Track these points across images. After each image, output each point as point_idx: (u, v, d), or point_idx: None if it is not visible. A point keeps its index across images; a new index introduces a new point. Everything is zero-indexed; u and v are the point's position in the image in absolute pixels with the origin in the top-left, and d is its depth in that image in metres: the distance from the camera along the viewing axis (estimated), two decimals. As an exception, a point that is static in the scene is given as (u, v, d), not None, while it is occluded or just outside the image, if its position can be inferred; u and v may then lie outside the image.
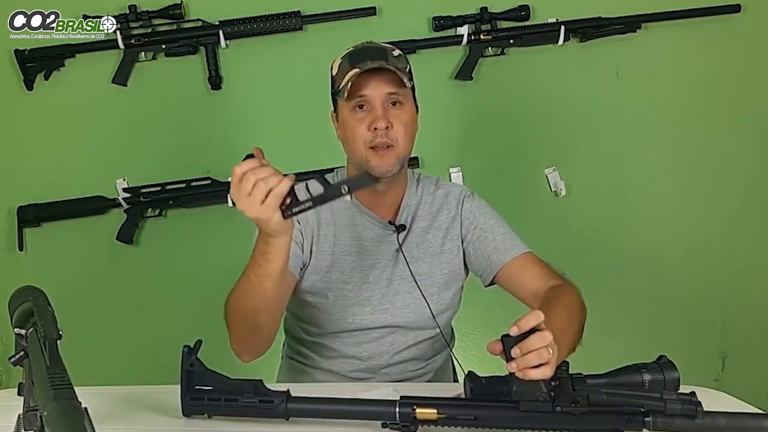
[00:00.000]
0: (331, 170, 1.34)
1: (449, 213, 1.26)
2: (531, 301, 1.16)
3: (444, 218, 1.26)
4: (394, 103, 1.15)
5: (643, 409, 0.86)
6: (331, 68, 1.21)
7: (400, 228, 1.23)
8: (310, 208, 0.92)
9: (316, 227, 1.23)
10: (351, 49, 1.18)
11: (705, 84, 2.05)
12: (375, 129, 1.13)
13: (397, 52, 1.17)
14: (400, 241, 1.23)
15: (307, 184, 1.10)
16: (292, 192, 0.90)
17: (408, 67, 1.18)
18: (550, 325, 0.93)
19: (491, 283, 1.25)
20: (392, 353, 1.24)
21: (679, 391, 0.88)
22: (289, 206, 0.91)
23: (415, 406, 0.87)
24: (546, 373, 0.83)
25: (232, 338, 1.09)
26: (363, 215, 1.24)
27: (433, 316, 1.24)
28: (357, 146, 1.16)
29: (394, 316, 1.23)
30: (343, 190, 0.92)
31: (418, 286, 1.22)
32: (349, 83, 1.12)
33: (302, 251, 1.21)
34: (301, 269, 1.22)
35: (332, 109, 1.25)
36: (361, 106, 1.15)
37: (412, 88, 1.19)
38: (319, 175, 0.99)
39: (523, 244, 1.23)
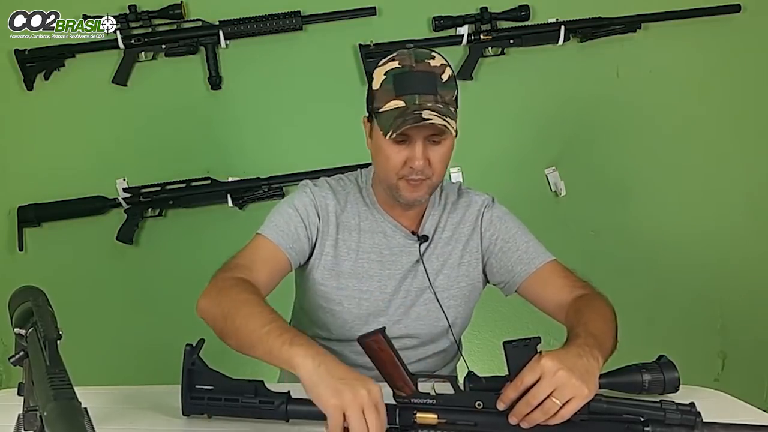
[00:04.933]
0: (333, 171, 1.32)
1: (469, 225, 1.23)
2: (556, 314, 1.14)
3: (464, 230, 1.23)
4: (435, 141, 1.08)
5: (642, 419, 0.86)
6: (373, 76, 1.11)
7: (423, 239, 1.20)
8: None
9: (335, 230, 1.19)
10: (396, 64, 1.07)
11: (705, 84, 2.05)
12: (410, 167, 1.08)
13: (446, 76, 1.07)
14: (422, 252, 1.20)
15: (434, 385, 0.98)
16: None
17: (456, 93, 1.09)
18: (589, 333, 0.94)
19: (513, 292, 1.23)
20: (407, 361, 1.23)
21: (679, 402, 0.88)
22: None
23: (415, 411, 0.87)
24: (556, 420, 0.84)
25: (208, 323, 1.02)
26: (387, 223, 1.21)
27: (450, 328, 1.22)
28: (386, 173, 1.11)
29: (409, 327, 1.21)
30: (477, 405, 0.87)
31: (437, 298, 1.20)
32: (390, 125, 1.04)
33: (308, 243, 1.18)
34: (304, 264, 1.20)
35: (366, 115, 1.16)
36: (400, 141, 1.08)
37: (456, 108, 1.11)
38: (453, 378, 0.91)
39: (546, 251, 1.20)
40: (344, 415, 0.78)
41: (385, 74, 1.08)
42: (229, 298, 0.98)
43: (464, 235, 1.23)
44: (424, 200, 1.15)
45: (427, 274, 1.20)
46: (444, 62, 1.09)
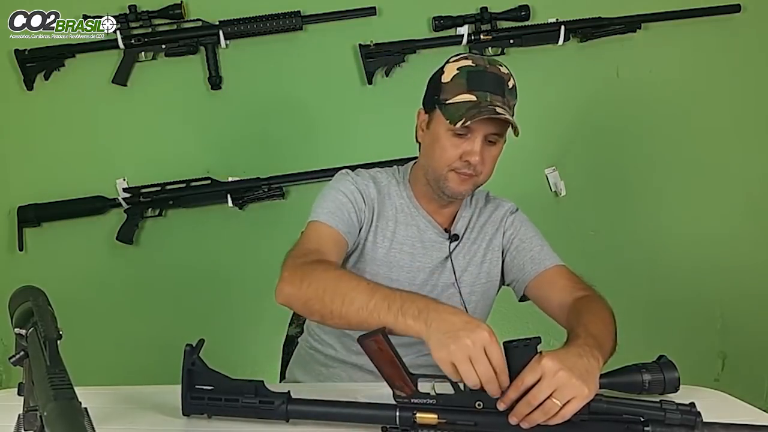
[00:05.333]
0: (333, 171, 1.31)
1: (494, 226, 1.28)
2: (558, 315, 1.16)
3: (489, 230, 1.28)
4: (491, 141, 1.14)
5: (642, 419, 0.86)
6: (443, 70, 1.16)
7: (454, 237, 1.24)
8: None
9: (375, 218, 1.22)
10: (470, 62, 1.13)
11: (705, 84, 2.05)
12: (466, 161, 1.12)
13: (512, 84, 1.15)
14: (451, 250, 1.24)
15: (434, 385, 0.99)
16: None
17: (515, 103, 1.16)
18: (589, 333, 0.95)
19: (524, 298, 1.26)
20: (415, 355, 1.22)
21: (679, 402, 0.87)
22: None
23: (415, 411, 0.87)
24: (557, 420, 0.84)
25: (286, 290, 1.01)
26: (422, 218, 1.24)
27: None
28: (440, 164, 1.15)
29: None
30: (477, 405, 0.87)
31: (461, 294, 1.23)
32: (462, 115, 1.08)
33: (358, 227, 1.20)
34: (353, 247, 1.21)
35: (424, 107, 1.20)
36: (460, 134, 1.12)
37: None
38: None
39: (557, 256, 1.24)
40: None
41: (458, 69, 1.13)
42: (320, 279, 0.98)
43: (489, 234, 1.27)
44: (466, 195, 1.20)
45: (454, 271, 1.24)
46: (510, 72, 1.16)
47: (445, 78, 1.14)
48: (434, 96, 1.16)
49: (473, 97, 1.10)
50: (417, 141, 1.25)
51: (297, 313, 1.48)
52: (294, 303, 1.01)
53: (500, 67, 1.14)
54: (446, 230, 1.25)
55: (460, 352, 0.81)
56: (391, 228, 1.23)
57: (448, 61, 1.16)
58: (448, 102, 1.12)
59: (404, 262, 1.22)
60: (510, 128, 1.12)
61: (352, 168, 1.30)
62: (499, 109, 1.08)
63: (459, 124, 1.08)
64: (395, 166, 1.32)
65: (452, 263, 1.24)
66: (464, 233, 1.26)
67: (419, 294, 0.93)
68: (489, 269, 1.27)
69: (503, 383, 0.84)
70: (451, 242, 1.25)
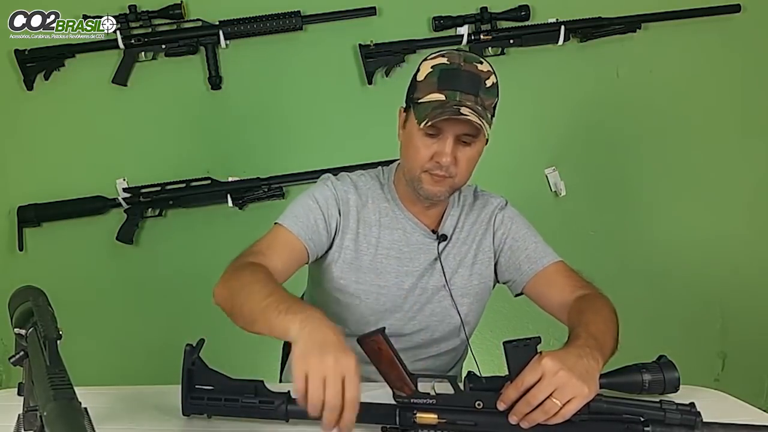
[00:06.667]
0: (334, 171, 1.31)
1: (483, 225, 1.25)
2: (559, 313, 1.15)
3: (479, 230, 1.25)
4: (465, 142, 1.10)
5: (642, 419, 0.86)
6: (418, 68, 1.13)
7: (442, 238, 1.22)
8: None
9: (356, 224, 1.20)
10: (445, 60, 1.09)
11: (705, 84, 2.05)
12: (436, 161, 1.10)
13: (490, 82, 1.09)
14: (440, 251, 1.22)
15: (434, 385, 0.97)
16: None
17: (496, 102, 1.11)
18: (589, 334, 0.94)
19: (520, 293, 1.25)
20: (411, 360, 1.23)
21: (678, 402, 0.88)
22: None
23: (415, 411, 0.87)
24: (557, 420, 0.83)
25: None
26: (407, 220, 1.22)
27: (463, 326, 1.23)
28: (414, 164, 1.12)
29: (422, 324, 1.22)
30: (477, 405, 0.87)
31: (452, 296, 1.22)
32: (427, 115, 1.05)
33: (327, 236, 1.18)
34: (321, 258, 1.20)
35: (404, 105, 1.18)
36: (431, 134, 1.09)
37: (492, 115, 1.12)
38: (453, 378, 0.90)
39: (554, 253, 1.22)
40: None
41: (431, 68, 1.10)
42: (238, 281, 1.00)
43: (478, 234, 1.25)
44: (443, 197, 1.16)
45: (444, 272, 1.21)
46: (491, 69, 1.11)
47: (420, 76, 1.11)
48: (409, 95, 1.14)
49: (442, 97, 1.06)
50: (399, 140, 1.23)
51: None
52: (219, 303, 1.03)
53: (477, 65, 1.09)
54: (434, 231, 1.22)
55: (319, 366, 0.78)
56: (375, 233, 1.20)
57: (425, 59, 1.13)
58: (419, 101, 1.09)
59: (391, 268, 1.20)
60: (488, 126, 1.08)
61: (350, 169, 1.29)
62: (465, 110, 1.04)
63: (423, 124, 1.06)
64: (380, 168, 1.29)
65: (442, 265, 1.21)
66: (453, 233, 1.23)
67: (319, 311, 0.88)
68: (481, 270, 1.24)
69: (345, 420, 0.79)
70: (439, 243, 1.22)
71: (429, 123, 1.05)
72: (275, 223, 1.17)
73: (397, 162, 1.25)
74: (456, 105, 1.05)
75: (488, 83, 1.09)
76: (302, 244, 1.14)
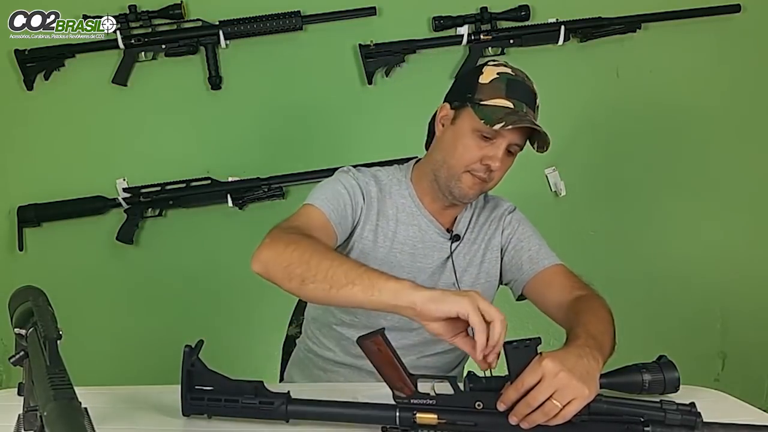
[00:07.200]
0: (334, 171, 1.31)
1: (493, 225, 1.28)
2: (556, 314, 1.16)
3: (489, 230, 1.28)
4: (511, 151, 1.15)
5: (642, 419, 0.86)
6: (481, 71, 1.15)
7: (455, 237, 1.24)
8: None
9: (375, 216, 1.21)
10: (509, 70, 1.14)
11: (705, 84, 2.05)
12: (486, 164, 1.13)
13: (538, 101, 1.17)
14: (452, 250, 1.24)
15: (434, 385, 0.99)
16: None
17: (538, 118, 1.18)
18: (589, 334, 0.95)
19: (521, 297, 1.26)
20: (417, 356, 1.23)
21: (679, 402, 0.87)
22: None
23: (415, 411, 0.87)
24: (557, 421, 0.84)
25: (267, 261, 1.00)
26: (423, 218, 1.24)
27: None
28: (459, 162, 1.14)
29: None
30: (477, 405, 0.87)
31: None
32: (499, 119, 1.09)
33: (352, 223, 1.18)
34: (341, 244, 1.19)
35: (450, 103, 1.19)
36: (487, 137, 1.12)
37: None
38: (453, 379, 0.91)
39: (555, 256, 1.24)
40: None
41: (498, 74, 1.13)
42: (307, 246, 0.97)
43: (488, 234, 1.27)
44: (472, 200, 1.21)
45: (455, 271, 1.23)
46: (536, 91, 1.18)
47: (483, 79, 1.13)
48: (467, 94, 1.14)
49: (510, 104, 1.10)
50: (427, 136, 1.24)
51: (294, 311, 1.48)
52: (272, 267, 0.98)
53: (533, 84, 1.16)
54: (448, 230, 1.25)
55: (461, 302, 0.84)
56: (392, 228, 1.22)
57: (486, 64, 1.17)
58: (483, 103, 1.12)
59: (405, 263, 1.22)
60: (527, 143, 1.15)
61: (354, 167, 1.30)
62: (525, 109, 1.10)
63: (499, 126, 1.08)
64: (395, 165, 1.30)
65: (453, 264, 1.23)
66: (465, 233, 1.26)
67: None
68: (488, 269, 1.27)
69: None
70: (452, 242, 1.24)
71: (508, 126, 1.08)
72: (305, 204, 1.15)
73: (415, 160, 1.28)
74: (527, 116, 1.10)
75: (537, 102, 1.16)
76: (332, 226, 1.13)
